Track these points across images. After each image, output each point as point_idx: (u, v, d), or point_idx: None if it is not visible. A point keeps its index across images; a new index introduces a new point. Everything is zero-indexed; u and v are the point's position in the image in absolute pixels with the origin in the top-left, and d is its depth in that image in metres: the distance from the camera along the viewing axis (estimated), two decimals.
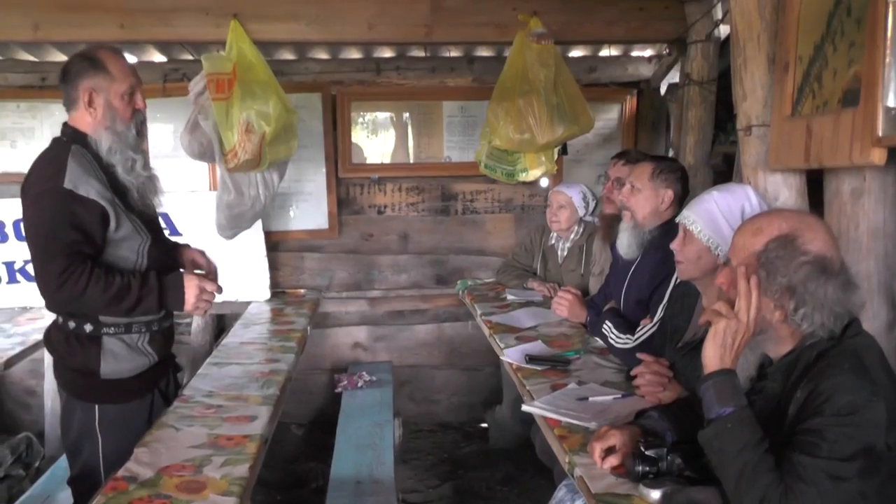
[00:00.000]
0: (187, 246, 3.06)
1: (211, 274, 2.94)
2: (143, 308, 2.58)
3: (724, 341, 1.83)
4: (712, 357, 1.84)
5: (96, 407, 2.66)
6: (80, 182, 2.48)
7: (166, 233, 3.17)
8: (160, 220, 2.99)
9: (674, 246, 2.63)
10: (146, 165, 2.73)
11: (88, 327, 2.62)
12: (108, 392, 2.67)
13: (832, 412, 1.65)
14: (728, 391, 1.80)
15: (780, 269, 1.80)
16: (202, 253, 3.02)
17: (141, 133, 2.73)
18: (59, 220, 2.45)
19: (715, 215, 2.51)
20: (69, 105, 2.65)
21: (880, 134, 1.99)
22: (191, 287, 2.66)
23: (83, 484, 2.68)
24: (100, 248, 2.54)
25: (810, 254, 1.79)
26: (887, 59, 1.95)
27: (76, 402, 2.69)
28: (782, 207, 2.54)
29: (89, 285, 2.43)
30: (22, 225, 2.59)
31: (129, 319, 2.66)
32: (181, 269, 2.84)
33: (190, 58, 4.88)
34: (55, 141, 2.65)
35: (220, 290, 2.77)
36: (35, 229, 2.51)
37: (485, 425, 5.25)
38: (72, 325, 2.63)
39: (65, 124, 2.68)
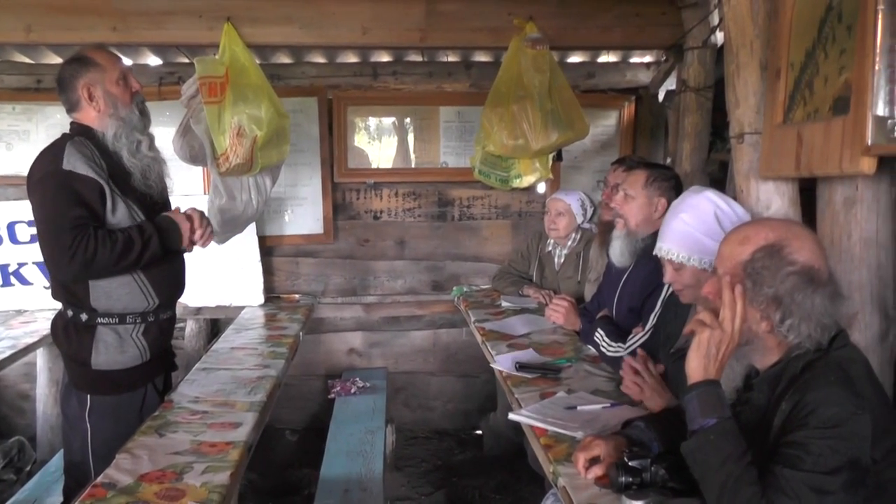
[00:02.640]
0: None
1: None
2: (150, 253, 2.70)
3: (708, 352, 1.80)
4: (696, 368, 1.82)
5: (88, 396, 2.77)
6: (79, 164, 2.61)
7: None
8: (169, 207, 3.06)
9: (667, 279, 2.59)
10: (152, 146, 2.88)
11: (84, 316, 2.74)
12: (99, 383, 2.78)
13: (817, 424, 1.63)
14: (711, 402, 1.77)
15: (767, 279, 1.77)
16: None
17: (143, 113, 2.88)
18: (62, 198, 2.58)
19: (693, 236, 2.46)
20: (72, 108, 2.81)
21: (869, 142, 1.95)
22: (180, 220, 2.82)
23: (73, 475, 2.82)
24: (102, 222, 2.66)
25: (797, 264, 1.77)
26: (877, 67, 1.92)
27: (73, 389, 2.81)
28: (770, 216, 2.50)
29: (97, 248, 2.55)
30: (32, 213, 2.69)
31: (122, 309, 2.77)
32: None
33: (185, 61, 4.86)
34: (61, 135, 2.78)
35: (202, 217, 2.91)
36: (41, 211, 2.63)
37: (479, 432, 5.22)
38: (70, 313, 2.77)
39: (71, 123, 2.83)
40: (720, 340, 1.79)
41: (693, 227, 2.45)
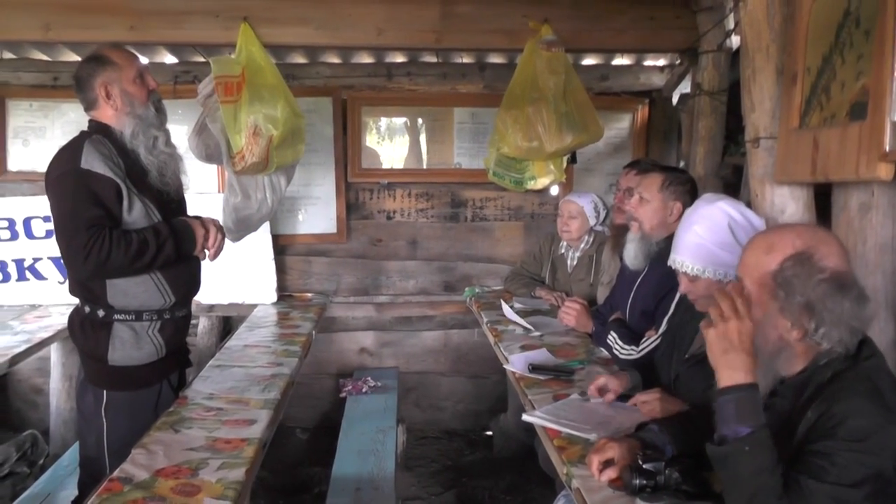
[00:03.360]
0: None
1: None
2: (164, 256, 2.72)
3: (729, 345, 1.72)
4: (723, 367, 1.74)
5: (104, 392, 2.79)
6: (96, 162, 2.62)
7: None
8: (184, 204, 3.10)
9: (682, 290, 2.58)
10: (168, 142, 2.89)
11: (101, 313, 2.76)
12: (116, 379, 2.79)
13: (844, 436, 1.62)
14: (749, 409, 1.70)
15: (798, 287, 1.73)
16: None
17: (160, 110, 2.89)
18: (79, 197, 2.59)
19: (707, 249, 2.44)
20: (90, 106, 2.82)
21: (887, 148, 1.96)
22: (196, 226, 2.86)
23: (89, 469, 2.84)
24: (118, 222, 2.67)
25: (827, 270, 1.73)
26: (895, 73, 1.93)
27: (89, 385, 2.83)
28: (791, 222, 2.48)
29: (112, 249, 2.56)
30: (49, 210, 2.71)
31: (139, 306, 2.79)
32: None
33: (201, 59, 4.89)
34: (79, 133, 2.79)
35: (218, 228, 2.96)
36: (59, 209, 2.65)
37: (490, 433, 5.23)
38: (87, 309, 2.79)
39: (90, 121, 2.84)
40: (730, 330, 1.73)
41: (706, 239, 2.43)
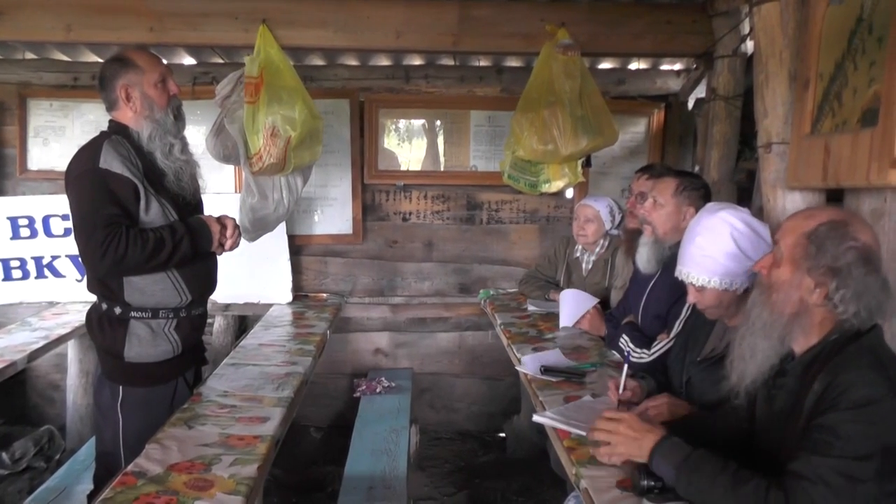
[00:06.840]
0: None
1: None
2: (180, 254, 2.76)
3: (629, 441, 2.04)
4: (636, 449, 2.02)
5: (121, 388, 2.83)
6: (114, 162, 2.66)
7: None
8: (201, 207, 3.12)
9: (690, 300, 2.59)
10: (184, 150, 2.92)
11: (118, 310, 2.80)
12: (132, 375, 2.83)
13: (847, 406, 1.65)
14: (673, 452, 1.92)
15: (829, 248, 1.79)
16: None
17: (178, 117, 2.92)
18: (97, 196, 2.62)
19: (712, 259, 2.44)
20: (111, 106, 2.86)
21: None
22: (211, 223, 2.89)
23: (104, 463, 2.88)
24: (135, 221, 2.70)
25: (859, 241, 1.78)
26: None
27: (105, 380, 2.87)
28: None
29: (129, 246, 2.59)
30: (69, 208, 2.74)
31: (155, 304, 2.82)
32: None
33: (219, 61, 4.94)
34: (99, 133, 2.83)
35: (234, 224, 3.00)
36: (77, 208, 2.68)
37: (503, 435, 5.25)
38: (104, 306, 2.83)
39: (110, 121, 2.88)
40: (624, 433, 2.04)
41: (710, 251, 2.43)
